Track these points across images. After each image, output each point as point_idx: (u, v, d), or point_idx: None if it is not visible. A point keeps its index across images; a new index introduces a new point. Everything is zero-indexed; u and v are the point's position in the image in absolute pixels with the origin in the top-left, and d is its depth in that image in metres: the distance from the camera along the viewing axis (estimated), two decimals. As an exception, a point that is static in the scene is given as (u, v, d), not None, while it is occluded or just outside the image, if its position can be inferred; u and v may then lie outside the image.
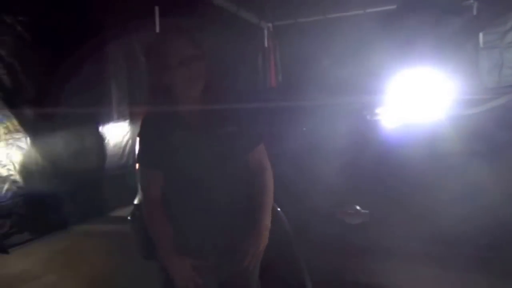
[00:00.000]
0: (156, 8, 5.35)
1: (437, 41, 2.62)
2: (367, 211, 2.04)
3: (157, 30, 5.39)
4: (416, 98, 1.87)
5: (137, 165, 3.45)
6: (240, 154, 2.02)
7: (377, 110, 2.13)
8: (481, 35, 3.85)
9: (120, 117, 6.41)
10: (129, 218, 3.44)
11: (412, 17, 2.69)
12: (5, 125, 4.82)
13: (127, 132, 6.54)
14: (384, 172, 2.39)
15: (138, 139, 2.00)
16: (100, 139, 6.11)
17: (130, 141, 6.53)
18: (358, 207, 2.01)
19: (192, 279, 1.95)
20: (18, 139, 4.98)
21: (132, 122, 6.56)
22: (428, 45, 2.51)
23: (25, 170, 5.04)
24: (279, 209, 2.44)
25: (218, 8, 6.48)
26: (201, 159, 1.91)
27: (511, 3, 2.72)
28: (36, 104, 5.14)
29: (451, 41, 2.70)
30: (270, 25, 8.11)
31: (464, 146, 2.21)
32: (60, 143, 5.46)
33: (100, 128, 6.10)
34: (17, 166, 4.96)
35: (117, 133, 6.36)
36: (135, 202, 3.47)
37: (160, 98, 1.96)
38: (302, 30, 7.36)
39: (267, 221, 2.05)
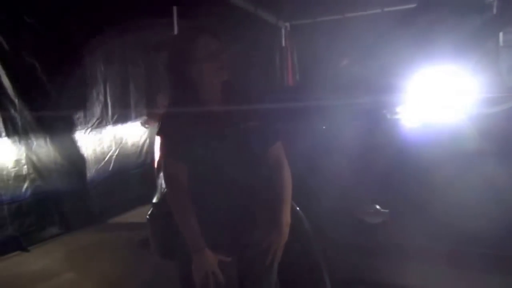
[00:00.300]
0: (175, 8, 5.36)
1: (457, 39, 2.59)
2: (386, 211, 2.02)
3: (176, 30, 5.41)
4: (437, 96, 1.85)
5: (156, 163, 3.49)
6: (261, 149, 2.05)
7: (397, 109, 2.11)
8: (501, 34, 3.81)
9: (138, 117, 6.46)
10: (147, 216, 3.46)
11: (432, 15, 2.67)
12: (25, 125, 4.88)
13: (145, 132, 6.59)
14: (404, 171, 2.37)
15: (160, 135, 2.02)
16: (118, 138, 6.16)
17: (147, 140, 6.57)
18: (377, 206, 2.00)
19: (215, 274, 1.96)
20: (38, 138, 5.03)
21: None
22: (448, 43, 2.48)
23: (44, 169, 5.10)
24: (298, 208, 2.44)
25: (236, 8, 6.49)
26: (224, 152, 1.94)
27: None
28: (55, 104, 5.21)
29: (471, 40, 2.67)
30: (287, 24, 8.09)
31: (485, 145, 2.19)
32: (78, 142, 5.53)
33: (117, 128, 6.15)
34: (36, 165, 5.01)
35: (135, 133, 6.40)
36: (154, 201, 3.48)
37: (183, 93, 1.99)
38: (320, 29, 7.34)
39: (287, 217, 2.07)
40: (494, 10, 2.87)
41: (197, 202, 1.97)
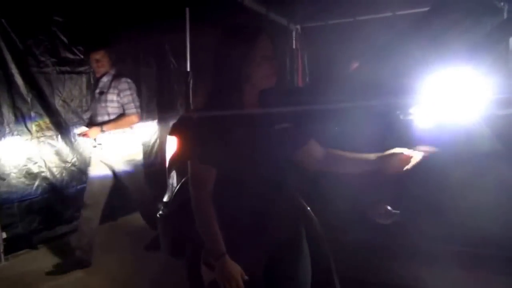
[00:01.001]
0: (187, 10, 5.37)
1: (469, 43, 2.60)
2: (397, 211, 2.03)
3: (188, 31, 5.41)
4: (450, 98, 1.86)
5: (167, 162, 3.49)
6: (293, 149, 2.07)
7: (411, 110, 2.11)
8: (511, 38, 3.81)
9: (149, 117, 6.50)
10: (158, 215, 3.48)
11: (446, 18, 2.67)
12: (37, 123, 4.92)
13: (155, 132, 6.64)
14: (417, 172, 2.38)
15: (189, 135, 2.00)
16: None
17: (158, 140, 6.60)
18: (389, 207, 1.99)
19: (243, 277, 1.92)
20: (50, 136, 5.07)
21: (160, 121, 6.64)
22: (461, 46, 2.49)
23: (55, 167, 5.13)
24: (309, 208, 2.44)
25: (248, 10, 6.50)
26: (260, 154, 1.92)
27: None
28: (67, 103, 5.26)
29: (483, 44, 2.67)
30: (298, 27, 8.11)
31: (499, 146, 2.20)
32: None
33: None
34: (48, 163, 5.04)
35: (146, 132, 6.43)
36: (165, 199, 3.50)
37: (225, 93, 1.94)
38: (331, 32, 7.34)
39: None
40: (505, 15, 2.87)
41: (231, 203, 1.95)
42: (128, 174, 4.61)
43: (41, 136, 4.97)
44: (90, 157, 4.71)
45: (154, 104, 6.63)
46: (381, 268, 2.59)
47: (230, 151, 1.88)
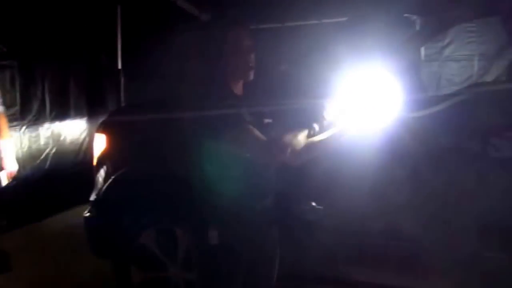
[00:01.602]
0: (119, 7, 5.35)
1: (384, 52, 2.78)
2: (321, 207, 2.15)
3: (119, 29, 5.40)
4: (368, 101, 2.01)
5: (95, 160, 3.48)
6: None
7: (331, 112, 2.24)
8: (422, 48, 4.09)
9: (78, 114, 6.41)
10: (85, 215, 3.47)
11: (363, 28, 2.85)
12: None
13: (84, 130, 6.55)
14: (335, 172, 2.52)
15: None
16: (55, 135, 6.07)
17: (87, 139, 6.51)
18: (313, 203, 2.10)
19: None
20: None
21: (89, 120, 6.54)
22: (376, 55, 2.66)
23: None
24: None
25: (181, 10, 6.53)
26: None
27: (448, 21, 2.96)
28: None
29: (398, 52, 2.88)
30: (228, 29, 8.18)
31: (413, 146, 2.40)
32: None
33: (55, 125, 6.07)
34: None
35: (74, 131, 6.35)
36: (91, 198, 3.49)
37: (216, 86, 1.99)
38: (259, 36, 7.47)
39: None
40: (417, 27, 3.10)
41: None
42: None
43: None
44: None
45: (83, 101, 6.51)
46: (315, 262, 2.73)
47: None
